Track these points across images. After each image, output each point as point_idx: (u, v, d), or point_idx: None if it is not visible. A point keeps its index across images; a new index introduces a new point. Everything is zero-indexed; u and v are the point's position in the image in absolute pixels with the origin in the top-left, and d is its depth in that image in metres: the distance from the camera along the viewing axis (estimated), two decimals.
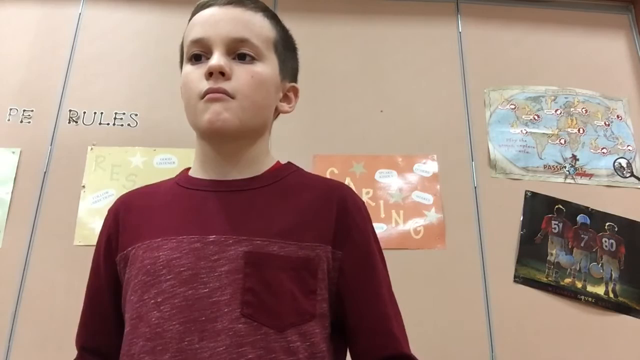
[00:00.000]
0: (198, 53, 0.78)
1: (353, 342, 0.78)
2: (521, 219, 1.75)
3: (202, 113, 0.76)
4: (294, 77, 0.90)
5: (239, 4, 0.80)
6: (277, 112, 0.87)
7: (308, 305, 0.72)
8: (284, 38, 0.86)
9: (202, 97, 0.75)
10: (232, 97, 0.75)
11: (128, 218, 0.81)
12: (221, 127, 0.75)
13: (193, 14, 0.82)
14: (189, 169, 0.86)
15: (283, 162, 0.87)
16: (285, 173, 0.83)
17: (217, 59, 0.75)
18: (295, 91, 0.88)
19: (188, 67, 0.79)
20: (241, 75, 0.77)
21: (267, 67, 0.80)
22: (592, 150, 1.86)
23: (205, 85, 0.75)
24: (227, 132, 0.76)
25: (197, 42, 0.78)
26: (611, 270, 1.71)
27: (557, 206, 1.77)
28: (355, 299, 0.76)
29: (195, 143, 0.84)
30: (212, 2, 0.80)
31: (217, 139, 0.79)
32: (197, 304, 0.69)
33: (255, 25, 0.80)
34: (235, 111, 0.75)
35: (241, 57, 0.78)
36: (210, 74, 0.75)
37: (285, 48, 0.85)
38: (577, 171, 1.83)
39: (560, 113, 1.91)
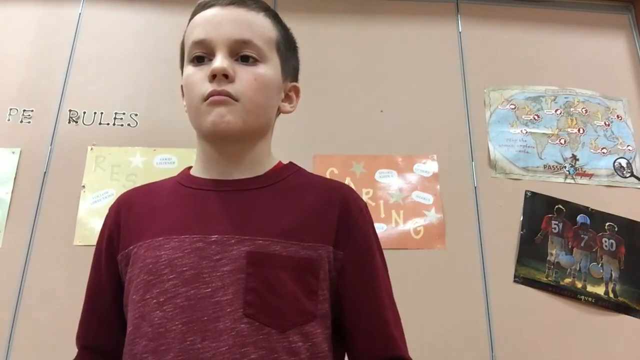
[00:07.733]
0: (200, 54, 0.77)
1: (351, 343, 0.77)
2: (521, 219, 1.75)
3: (206, 115, 0.75)
4: (295, 77, 0.89)
5: (241, 4, 0.79)
6: (278, 112, 0.86)
7: (310, 306, 0.72)
8: (286, 38, 0.85)
9: (205, 99, 0.75)
10: (235, 99, 0.75)
11: (129, 216, 0.81)
12: (225, 129, 0.75)
13: (194, 14, 0.81)
14: (190, 167, 0.85)
15: (284, 162, 0.86)
16: (287, 173, 0.83)
17: (220, 61, 0.75)
18: (297, 91, 0.88)
19: (190, 69, 0.79)
20: (244, 77, 0.76)
21: (270, 69, 0.79)
22: (592, 150, 1.86)
23: (208, 87, 0.75)
24: (231, 134, 0.76)
25: (200, 43, 0.77)
26: (611, 270, 1.71)
27: (557, 206, 1.77)
28: (354, 300, 0.76)
29: (197, 143, 0.83)
30: (214, 2, 0.79)
31: (220, 141, 0.79)
32: (199, 304, 0.69)
33: (257, 26, 0.79)
34: (239, 114, 0.75)
35: (244, 59, 0.77)
36: (213, 76, 0.74)
37: (287, 48, 0.85)
38: (577, 171, 1.83)
39: (560, 113, 1.91)
